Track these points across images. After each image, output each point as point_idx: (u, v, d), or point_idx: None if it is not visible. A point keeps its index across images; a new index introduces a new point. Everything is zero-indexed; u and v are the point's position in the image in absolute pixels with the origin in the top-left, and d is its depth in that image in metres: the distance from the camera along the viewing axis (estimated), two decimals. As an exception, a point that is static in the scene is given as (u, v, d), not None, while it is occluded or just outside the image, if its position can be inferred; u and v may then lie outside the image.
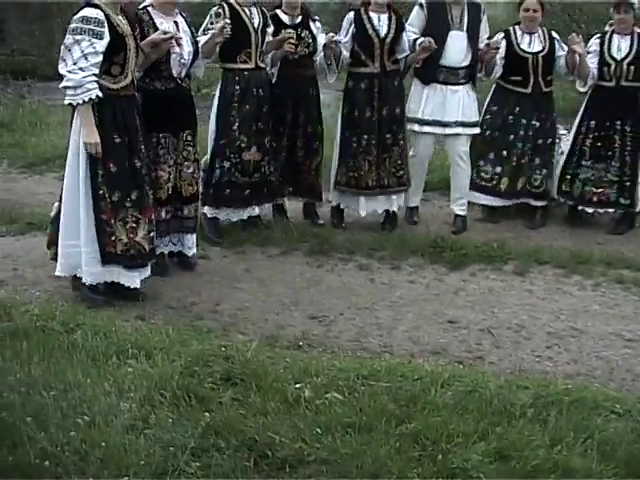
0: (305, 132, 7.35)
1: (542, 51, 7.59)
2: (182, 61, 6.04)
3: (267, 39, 6.90)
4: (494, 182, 7.73)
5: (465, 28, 7.43)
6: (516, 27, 7.72)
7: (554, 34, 7.75)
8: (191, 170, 6.26)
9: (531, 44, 7.60)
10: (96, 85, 5.27)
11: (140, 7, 6.09)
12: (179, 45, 5.95)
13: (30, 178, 9.62)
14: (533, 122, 7.64)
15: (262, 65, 6.86)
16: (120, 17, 5.46)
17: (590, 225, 7.88)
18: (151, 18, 5.94)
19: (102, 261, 5.52)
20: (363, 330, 5.43)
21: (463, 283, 6.28)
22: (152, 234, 5.73)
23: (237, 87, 6.73)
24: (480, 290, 6.15)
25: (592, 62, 7.54)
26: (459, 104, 7.48)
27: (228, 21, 6.41)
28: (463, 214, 7.73)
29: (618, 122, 7.57)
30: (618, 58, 7.50)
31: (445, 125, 7.51)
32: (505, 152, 7.66)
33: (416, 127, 7.57)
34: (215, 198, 6.92)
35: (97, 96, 5.28)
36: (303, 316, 5.65)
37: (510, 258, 6.72)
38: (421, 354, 5.06)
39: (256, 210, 7.19)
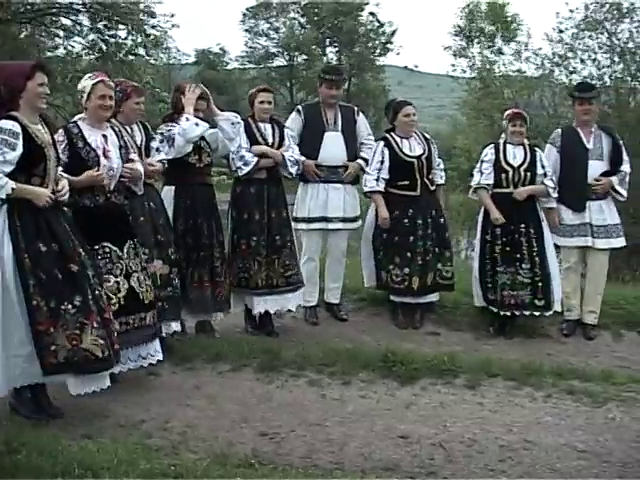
0: (219, 240, 7.48)
1: (424, 154, 8.04)
2: (110, 173, 6.06)
3: (151, 152, 6.96)
4: (406, 283, 8.01)
5: (340, 129, 8.02)
6: (392, 134, 8.15)
7: (427, 135, 8.27)
8: (144, 277, 6.26)
9: (412, 148, 8.06)
10: (7, 179, 5.20)
11: (71, 121, 6.21)
12: (107, 158, 6.02)
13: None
14: (429, 220, 8.01)
15: (149, 181, 6.87)
16: (39, 126, 5.47)
17: (539, 336, 7.94)
18: (80, 131, 6.01)
19: (43, 374, 5.36)
20: (314, 447, 5.32)
21: (414, 397, 6.22)
22: (107, 340, 5.51)
23: (126, 202, 6.71)
24: (431, 404, 6.08)
25: (488, 171, 7.95)
26: (341, 201, 8.03)
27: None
28: (338, 302, 8.38)
29: (522, 225, 7.90)
30: (515, 165, 7.92)
31: (329, 221, 8.00)
32: (409, 254, 7.98)
33: (304, 226, 8.08)
34: None
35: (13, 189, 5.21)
36: (253, 433, 5.53)
37: (461, 371, 6.68)
38: (373, 470, 4.97)
39: (172, 326, 7.08)
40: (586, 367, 7.07)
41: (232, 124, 7.39)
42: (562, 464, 5.09)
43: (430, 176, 8.09)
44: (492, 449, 5.30)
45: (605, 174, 7.88)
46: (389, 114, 8.27)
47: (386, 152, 8.04)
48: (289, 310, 8.01)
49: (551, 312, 7.99)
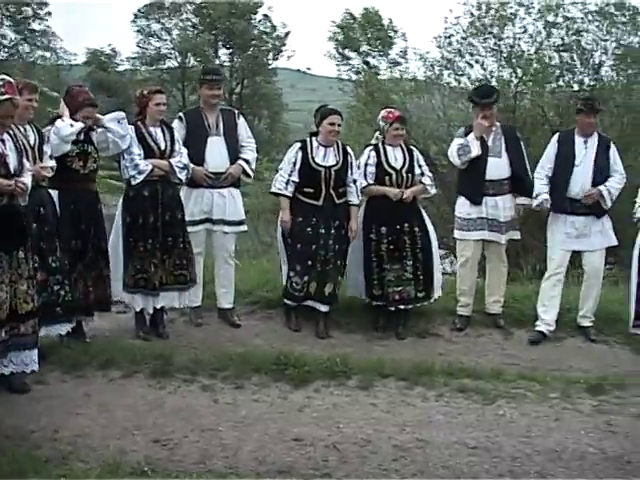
0: (98, 246, 7.37)
1: (335, 165, 7.99)
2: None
3: (45, 156, 6.81)
4: (305, 290, 7.98)
5: (222, 133, 8.03)
6: (313, 139, 8.11)
7: (348, 149, 8.21)
8: (25, 287, 6.05)
9: (326, 157, 8.01)
10: None
11: None
12: (6, 164, 5.89)
13: None
14: (332, 231, 7.98)
15: (43, 184, 6.77)
16: None
17: (430, 336, 8.06)
18: None
19: None
20: (208, 452, 5.29)
21: (307, 400, 6.22)
22: None
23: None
24: (325, 406, 6.10)
25: (372, 174, 8.08)
26: (224, 205, 8.02)
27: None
28: (231, 307, 8.28)
29: (406, 224, 8.06)
30: (397, 167, 8.07)
31: (213, 223, 8.02)
32: (310, 262, 7.94)
33: (189, 229, 7.91)
34: None
35: None
36: (146, 440, 5.46)
37: (353, 373, 6.70)
38: (267, 474, 4.99)
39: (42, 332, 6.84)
40: (477, 366, 7.21)
41: (118, 122, 7.32)
42: (454, 461, 5.18)
43: (341, 189, 8.04)
44: (385, 449, 5.35)
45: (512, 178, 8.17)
46: (317, 118, 8.22)
47: (299, 155, 8.01)
48: (175, 308, 8.03)
49: (431, 300, 8.28)
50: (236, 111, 8.47)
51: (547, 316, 8.08)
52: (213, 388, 6.43)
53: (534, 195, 8.04)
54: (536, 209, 8.13)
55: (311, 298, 8.03)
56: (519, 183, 8.21)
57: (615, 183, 7.89)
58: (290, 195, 8.01)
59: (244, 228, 8.30)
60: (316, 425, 5.72)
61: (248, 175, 8.23)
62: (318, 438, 5.48)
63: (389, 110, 8.40)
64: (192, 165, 7.82)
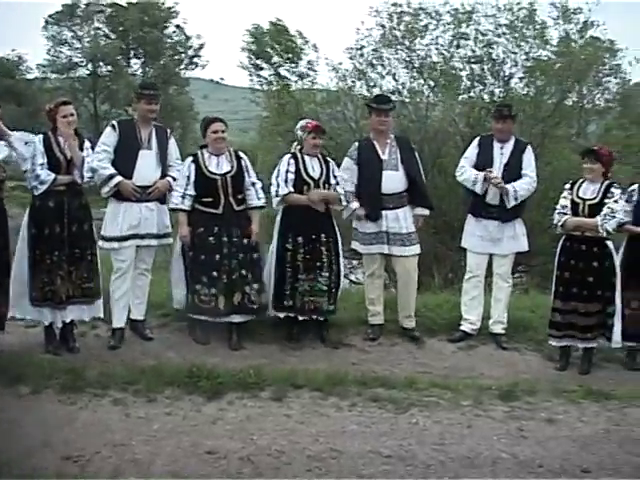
0: (5, 258, 7.28)
1: (230, 171, 7.97)
2: None
3: None
4: (212, 304, 7.86)
5: (154, 148, 7.98)
6: (203, 150, 8.10)
7: (241, 154, 8.20)
8: None
9: (219, 165, 8.00)
10: None
11: None
12: None
13: None
14: (234, 239, 7.91)
15: None
16: None
17: (344, 346, 8.09)
18: None
19: None
20: (120, 467, 5.22)
21: (221, 412, 6.20)
22: None
23: None
24: (238, 418, 6.08)
25: (292, 182, 8.05)
26: (154, 218, 7.95)
27: None
28: (142, 318, 8.16)
29: (322, 235, 8.08)
30: (315, 177, 8.12)
31: (142, 237, 7.91)
32: (215, 273, 7.85)
33: (115, 244, 7.87)
34: None
35: None
36: (56, 457, 5.36)
37: (267, 384, 6.70)
38: (181, 488, 4.93)
39: None
40: (390, 375, 7.26)
41: (26, 143, 7.18)
42: (368, 470, 5.23)
43: (239, 195, 8.00)
44: (300, 460, 5.36)
45: (410, 189, 8.22)
46: (201, 129, 8.18)
47: (192, 168, 7.95)
48: (84, 321, 7.89)
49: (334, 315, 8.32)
50: (168, 130, 8.38)
51: (469, 315, 8.33)
52: (125, 402, 6.35)
53: (471, 183, 8.16)
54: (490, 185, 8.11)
55: (219, 315, 7.91)
56: (416, 194, 8.32)
57: (523, 184, 8.07)
58: (188, 209, 7.96)
59: (169, 241, 8.20)
60: (230, 437, 5.71)
61: None
62: (232, 450, 5.47)
63: (308, 120, 8.47)
64: (120, 178, 7.72)
